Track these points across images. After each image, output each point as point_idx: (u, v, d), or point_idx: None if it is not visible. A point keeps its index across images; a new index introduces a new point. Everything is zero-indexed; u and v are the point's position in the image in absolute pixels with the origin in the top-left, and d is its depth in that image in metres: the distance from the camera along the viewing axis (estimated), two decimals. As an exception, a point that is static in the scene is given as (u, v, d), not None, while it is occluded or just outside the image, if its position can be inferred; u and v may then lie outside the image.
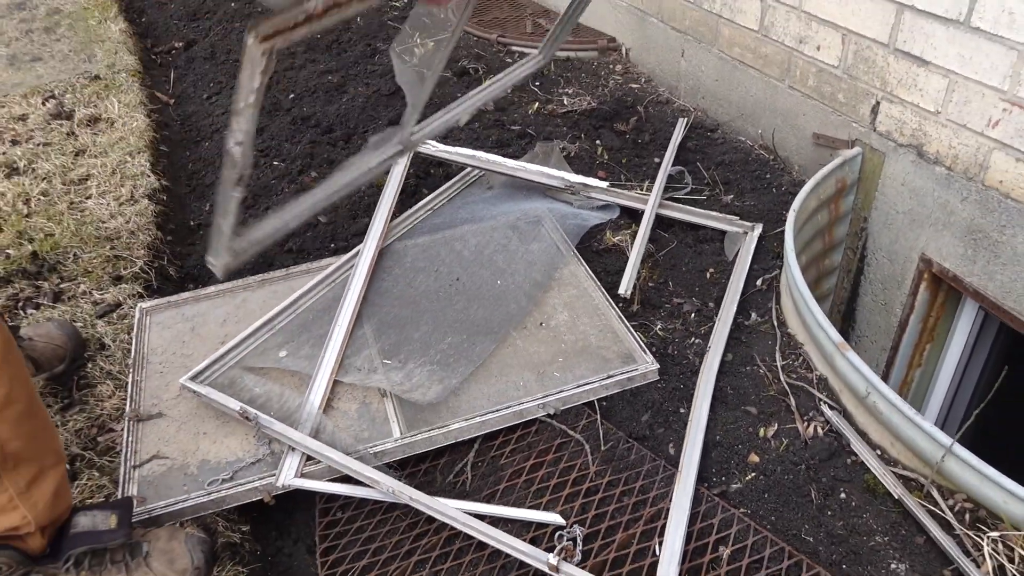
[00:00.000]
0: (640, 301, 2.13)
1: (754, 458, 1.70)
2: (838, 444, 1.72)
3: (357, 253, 2.29)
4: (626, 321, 2.01)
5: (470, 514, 1.59)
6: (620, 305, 2.08)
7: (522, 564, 1.53)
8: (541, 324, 2.04)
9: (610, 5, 3.53)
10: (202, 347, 2.06)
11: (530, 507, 1.65)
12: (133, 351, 2.06)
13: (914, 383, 2.59)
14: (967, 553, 1.47)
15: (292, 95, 3.41)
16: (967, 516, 1.53)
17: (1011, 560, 1.45)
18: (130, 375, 2.00)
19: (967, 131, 2.05)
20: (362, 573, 1.59)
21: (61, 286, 2.34)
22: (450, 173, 2.72)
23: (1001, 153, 1.98)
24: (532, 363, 1.93)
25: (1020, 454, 2.49)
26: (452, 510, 1.59)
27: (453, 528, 1.61)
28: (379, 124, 3.05)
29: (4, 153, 2.96)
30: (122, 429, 1.86)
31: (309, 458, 1.73)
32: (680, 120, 2.95)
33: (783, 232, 2.14)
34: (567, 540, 1.53)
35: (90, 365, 2.06)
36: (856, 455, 1.69)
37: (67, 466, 1.58)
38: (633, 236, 2.33)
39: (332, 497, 1.75)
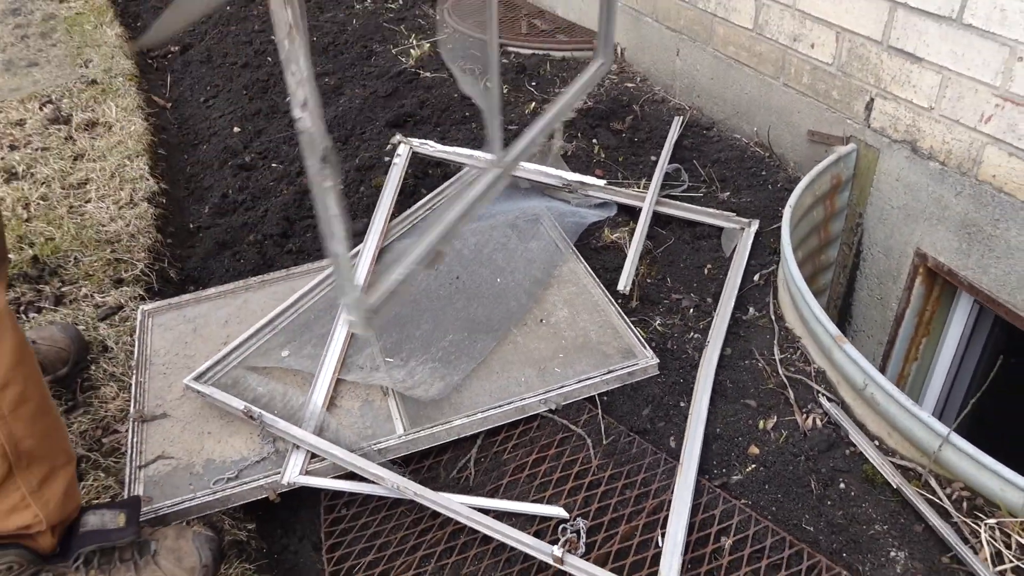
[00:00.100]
0: (639, 297, 2.16)
1: (754, 450, 1.72)
2: (836, 435, 1.74)
3: (357, 253, 2.31)
4: (625, 317, 2.03)
5: (474, 509, 1.61)
6: (619, 301, 2.10)
7: (526, 557, 1.55)
8: (541, 321, 2.06)
9: (605, 5, 3.55)
10: (204, 348, 2.08)
11: (533, 501, 1.67)
12: (136, 353, 2.08)
13: (910, 377, 2.61)
14: (965, 540, 1.49)
15: (289, 97, 3.41)
16: (964, 504, 1.55)
17: (1008, 546, 1.47)
18: (133, 376, 2.01)
19: (960, 127, 2.07)
20: (368, 569, 1.61)
21: (62, 289, 2.35)
22: (448, 173, 2.74)
23: (994, 148, 2.00)
24: (533, 359, 1.95)
25: (1015, 444, 2.51)
26: (457, 505, 1.61)
27: (458, 523, 1.62)
28: (376, 125, 3.07)
29: (3, 158, 2.97)
30: (126, 430, 1.88)
31: (313, 456, 1.75)
32: (676, 119, 2.98)
33: (779, 228, 2.17)
34: (571, 533, 1.55)
35: (93, 367, 2.08)
36: (854, 446, 1.71)
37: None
38: (631, 233, 2.35)
39: (337, 494, 1.76)
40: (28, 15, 4.44)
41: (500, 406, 1.83)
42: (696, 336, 2.04)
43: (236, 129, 3.27)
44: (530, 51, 3.67)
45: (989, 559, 1.46)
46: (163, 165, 3.11)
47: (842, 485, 1.64)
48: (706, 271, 2.27)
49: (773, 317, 2.08)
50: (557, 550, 1.47)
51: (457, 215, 1.37)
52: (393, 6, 4.38)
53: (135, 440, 1.83)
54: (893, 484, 1.61)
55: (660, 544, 1.53)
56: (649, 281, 2.24)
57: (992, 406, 2.15)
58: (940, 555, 1.50)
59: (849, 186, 2.52)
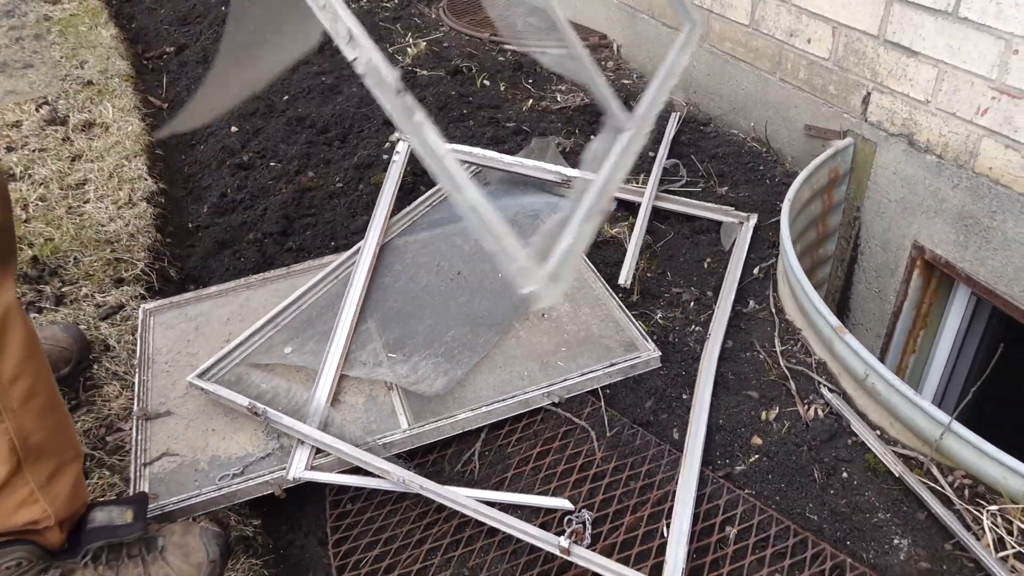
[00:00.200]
0: (639, 291, 2.17)
1: (757, 440, 1.73)
2: (838, 425, 1.75)
3: (358, 250, 2.31)
4: (627, 310, 2.04)
5: (480, 501, 1.62)
6: (620, 295, 2.11)
7: (532, 549, 1.56)
8: (543, 315, 2.07)
9: (601, 2, 3.57)
10: (207, 346, 2.08)
11: (538, 494, 1.68)
12: (138, 351, 2.08)
13: (908, 369, 2.63)
14: (967, 527, 1.51)
15: (286, 96, 3.42)
16: (966, 492, 1.57)
17: (1010, 533, 1.49)
18: (136, 375, 2.01)
19: (957, 119, 2.09)
20: (374, 562, 1.61)
21: (63, 289, 2.34)
22: (447, 170, 2.74)
23: (990, 140, 2.02)
24: (536, 353, 1.96)
25: (1012, 434, 2.54)
26: (462, 498, 1.61)
27: (463, 516, 1.63)
28: (374, 123, 3.07)
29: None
30: (130, 428, 1.88)
31: (319, 451, 1.75)
32: (672, 114, 2.99)
33: (778, 222, 2.18)
34: (576, 524, 1.56)
35: (95, 366, 2.08)
36: (856, 436, 1.72)
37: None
38: (630, 228, 2.37)
39: (342, 489, 1.77)
40: (22, 17, 4.43)
41: (504, 400, 1.83)
42: (697, 329, 2.05)
43: (233, 129, 3.27)
44: (525, 49, 3.68)
45: (992, 545, 1.47)
46: (161, 165, 3.11)
47: (845, 474, 1.65)
48: (706, 265, 2.28)
49: (773, 310, 2.09)
50: (563, 541, 1.48)
51: (607, 175, 1.36)
52: (389, 5, 4.39)
53: (139, 438, 1.83)
54: (895, 473, 1.63)
55: (665, 534, 1.54)
56: (649, 275, 2.25)
57: (989, 396, 2.17)
58: (943, 542, 1.51)
59: (846, 180, 2.53)
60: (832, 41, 2.40)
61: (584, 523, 1.56)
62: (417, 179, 2.72)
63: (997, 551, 1.46)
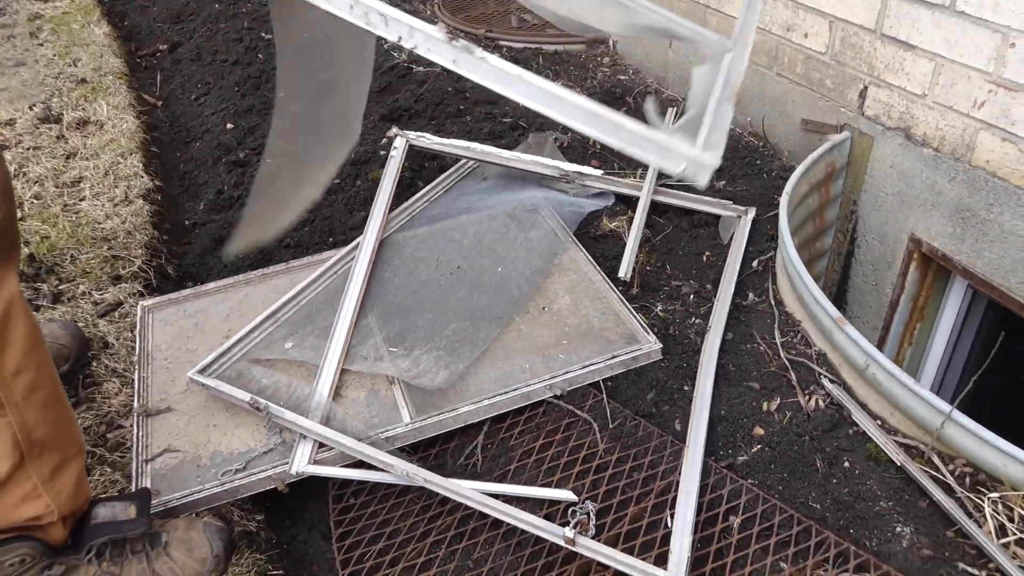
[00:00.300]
0: (639, 284, 2.17)
1: (759, 431, 1.74)
2: (839, 416, 1.76)
3: (357, 245, 2.31)
4: (627, 303, 2.05)
5: (484, 494, 1.62)
6: (620, 288, 2.11)
7: (537, 540, 1.56)
8: (544, 309, 2.07)
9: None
10: (207, 342, 2.07)
11: (541, 486, 1.68)
12: (137, 348, 2.07)
13: (905, 361, 2.64)
14: (969, 515, 1.52)
15: (282, 94, 3.41)
16: (967, 480, 1.58)
17: (1011, 520, 1.50)
18: (136, 372, 2.00)
19: (953, 113, 2.10)
20: (378, 556, 1.61)
21: (60, 287, 2.33)
22: (444, 165, 2.74)
23: (987, 133, 2.03)
24: (537, 346, 1.96)
25: (1011, 426, 2.55)
26: (467, 490, 1.61)
27: (467, 508, 1.63)
28: (371, 120, 3.07)
29: (-6, 157, 2.94)
30: (131, 425, 1.87)
31: (321, 445, 1.75)
32: (669, 110, 2.99)
33: (776, 216, 2.19)
34: (581, 515, 1.56)
35: (95, 364, 2.07)
36: (857, 425, 1.73)
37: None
38: (629, 222, 2.37)
39: (345, 483, 1.77)
40: (13, 15, 4.41)
41: (506, 393, 1.84)
42: (697, 321, 2.05)
43: (229, 126, 3.26)
44: (521, 45, 3.69)
45: (993, 532, 1.48)
46: (156, 162, 3.09)
47: (847, 464, 1.66)
48: (705, 258, 2.29)
49: (773, 302, 2.10)
50: (569, 532, 1.48)
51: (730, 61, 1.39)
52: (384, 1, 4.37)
53: (140, 434, 1.82)
54: (897, 462, 1.64)
55: (669, 524, 1.55)
56: (649, 269, 2.25)
57: (987, 387, 2.18)
58: (945, 529, 1.52)
59: (843, 174, 2.54)
60: (829, 35, 2.41)
61: (588, 514, 1.57)
62: (415, 174, 2.72)
63: (999, 538, 1.47)
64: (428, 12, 4.27)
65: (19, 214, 2.62)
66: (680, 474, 1.64)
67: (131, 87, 3.61)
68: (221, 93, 3.55)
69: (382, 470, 1.69)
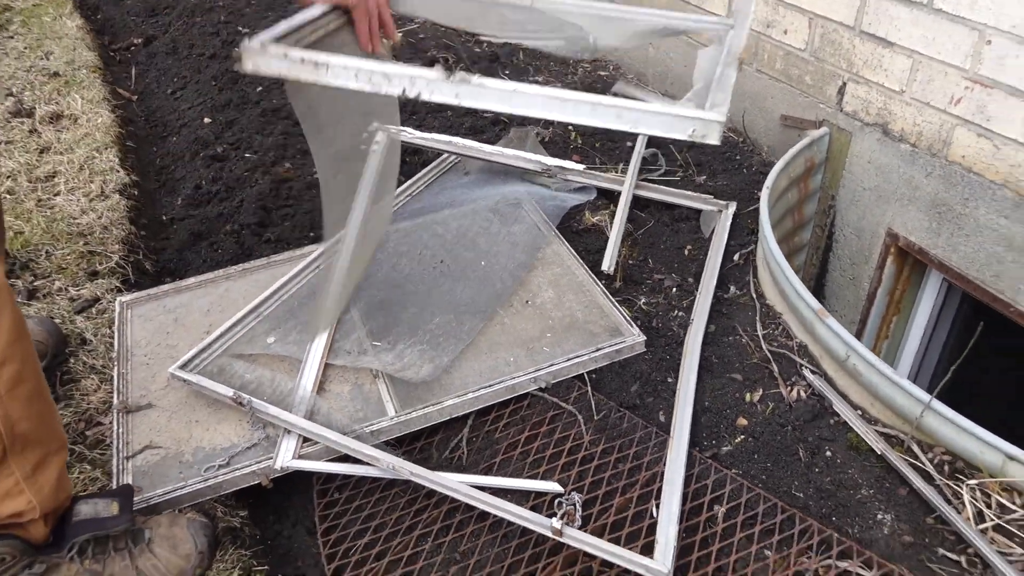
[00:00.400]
0: (622, 278, 2.18)
1: (742, 421, 1.76)
2: (821, 406, 1.78)
3: (339, 239, 2.29)
4: (611, 296, 2.06)
5: (470, 486, 1.62)
6: (603, 282, 2.12)
7: (524, 532, 1.56)
8: (527, 302, 2.07)
9: (576, -5, 3.57)
10: (187, 337, 2.05)
11: (527, 478, 1.68)
12: (116, 344, 2.04)
13: (882, 354, 2.68)
14: (948, 501, 1.54)
15: (260, 88, 3.38)
16: (946, 467, 1.61)
17: (988, 506, 1.53)
18: (115, 368, 1.97)
19: (931, 109, 2.14)
20: (364, 550, 1.61)
21: (35, 284, 2.29)
22: (426, 160, 2.73)
23: (963, 129, 2.07)
24: (521, 339, 1.96)
25: (983, 419, 2.60)
26: (453, 483, 1.61)
27: (453, 501, 1.63)
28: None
29: (-35, 151, 2.89)
30: (111, 422, 1.84)
31: (306, 440, 1.74)
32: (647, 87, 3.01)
33: (756, 210, 2.21)
34: (567, 506, 1.56)
35: (72, 360, 2.03)
36: (839, 415, 1.76)
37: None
38: (611, 216, 2.38)
39: (329, 478, 1.76)
40: (-18, 7, 4.32)
41: (491, 386, 1.84)
42: (680, 314, 2.07)
43: (206, 120, 3.22)
44: (502, 40, 3.68)
45: (972, 518, 1.51)
46: (132, 157, 3.05)
47: (828, 453, 1.68)
48: (686, 252, 2.30)
49: (754, 295, 2.12)
50: (556, 522, 1.48)
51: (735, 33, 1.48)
52: None
53: (120, 431, 1.79)
54: (877, 451, 1.66)
55: (655, 514, 1.56)
56: (631, 262, 2.26)
57: (963, 380, 2.22)
58: (925, 516, 1.55)
59: (822, 169, 2.58)
60: (808, 32, 2.44)
61: (575, 505, 1.57)
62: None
63: (977, 524, 1.50)
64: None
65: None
66: (665, 465, 1.65)
67: (105, 81, 3.55)
68: (198, 87, 3.50)
69: (367, 464, 1.68)
